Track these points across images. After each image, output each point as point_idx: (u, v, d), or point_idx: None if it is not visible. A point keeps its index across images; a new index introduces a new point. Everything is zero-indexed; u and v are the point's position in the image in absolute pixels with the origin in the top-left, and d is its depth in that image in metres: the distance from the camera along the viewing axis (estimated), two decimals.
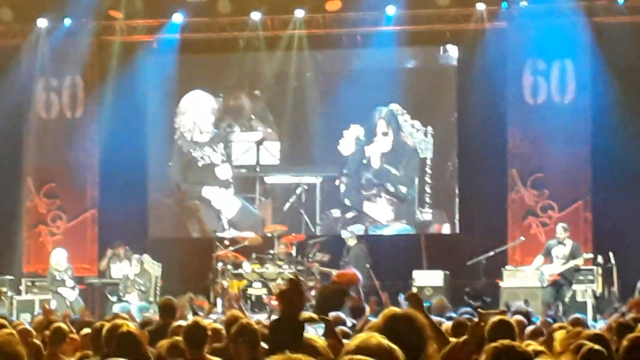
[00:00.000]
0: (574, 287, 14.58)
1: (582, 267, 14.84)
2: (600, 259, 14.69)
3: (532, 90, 15.96)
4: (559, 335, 6.58)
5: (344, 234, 15.33)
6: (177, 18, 15.21)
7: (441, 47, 16.48)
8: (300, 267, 13.61)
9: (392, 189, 16.60)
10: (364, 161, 16.67)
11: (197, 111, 16.59)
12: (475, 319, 6.11)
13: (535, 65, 15.82)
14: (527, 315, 9.63)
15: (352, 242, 14.97)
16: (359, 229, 15.79)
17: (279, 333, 5.02)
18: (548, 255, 14.43)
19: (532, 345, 4.81)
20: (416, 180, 16.60)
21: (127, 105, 15.88)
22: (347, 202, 16.37)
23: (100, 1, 15.29)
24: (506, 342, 3.15)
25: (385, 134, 16.38)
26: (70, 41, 15.55)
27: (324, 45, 16.57)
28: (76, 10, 15.26)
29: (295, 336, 4.86)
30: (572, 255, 14.39)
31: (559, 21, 15.21)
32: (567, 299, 14.14)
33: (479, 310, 12.54)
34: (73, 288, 13.91)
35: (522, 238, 15.03)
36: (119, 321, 5.60)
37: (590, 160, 15.81)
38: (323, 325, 5.70)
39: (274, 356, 2.27)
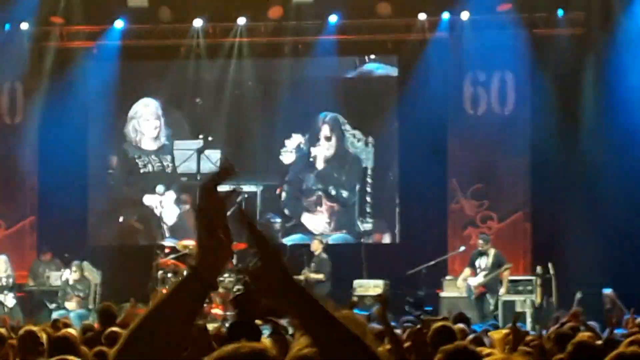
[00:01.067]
0: (514, 297, 14.56)
1: (520, 278, 14.94)
2: (539, 269, 14.70)
3: (472, 101, 15.97)
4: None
5: (313, 240, 15.55)
6: (119, 24, 15.11)
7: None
8: (240, 276, 13.56)
9: (333, 192, 16.68)
10: (310, 160, 16.58)
11: (145, 118, 16.46)
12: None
13: (476, 76, 15.88)
14: (467, 322, 9.62)
15: (317, 247, 15.13)
16: (301, 238, 15.83)
17: (237, 337, 5.04)
18: (473, 267, 14.58)
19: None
20: (357, 188, 16.46)
21: (67, 111, 15.71)
22: (286, 211, 16.34)
23: (40, 6, 15.06)
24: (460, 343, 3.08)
25: (328, 138, 16.44)
26: (9, 46, 15.34)
27: (266, 53, 16.56)
28: (15, 15, 15.06)
29: (255, 339, 4.80)
30: (497, 265, 14.55)
31: (500, 33, 15.27)
32: (491, 307, 14.20)
33: (422, 317, 12.58)
34: (13, 295, 13.77)
35: (463, 248, 15.08)
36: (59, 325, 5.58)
37: (529, 171, 15.95)
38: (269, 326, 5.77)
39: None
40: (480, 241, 15.05)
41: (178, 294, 1.72)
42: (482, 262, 14.72)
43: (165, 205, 16.16)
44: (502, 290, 14.75)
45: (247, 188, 16.31)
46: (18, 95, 16.57)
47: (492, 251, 14.88)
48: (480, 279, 14.62)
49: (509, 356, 4.96)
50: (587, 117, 15.34)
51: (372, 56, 16.94)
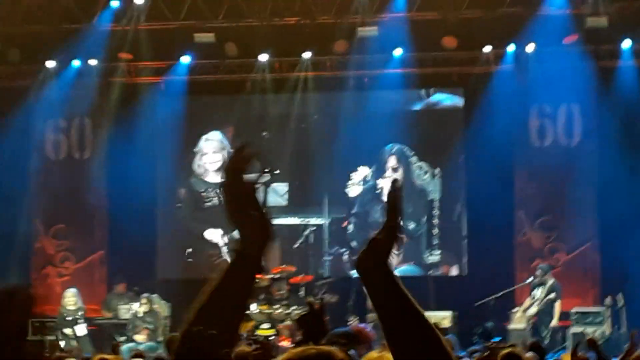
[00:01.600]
0: (584, 328, 14.32)
1: (589, 310, 14.91)
2: (608, 300, 14.57)
3: (538, 132, 15.97)
4: None
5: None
6: (185, 59, 15.29)
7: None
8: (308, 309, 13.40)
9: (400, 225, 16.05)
10: (376, 192, 16.48)
11: (211, 151, 16.58)
12: None
13: (542, 108, 15.88)
14: (539, 349, 9.61)
15: None
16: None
17: None
18: (531, 297, 14.74)
19: None
20: (424, 219, 16.45)
21: (134, 146, 15.84)
22: (353, 244, 16.19)
23: (109, 43, 15.35)
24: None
25: (395, 169, 16.37)
26: (79, 82, 15.58)
27: (331, 87, 16.59)
28: (85, 52, 15.32)
29: None
30: (549, 292, 14.58)
31: (566, 64, 15.22)
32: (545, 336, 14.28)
33: (488, 345, 12.47)
34: (84, 327, 13.94)
35: (530, 279, 14.81)
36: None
37: (597, 202, 15.84)
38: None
39: None
40: (539, 271, 15.01)
41: (227, 279, 1.72)
42: (538, 292, 14.70)
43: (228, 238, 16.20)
44: (553, 322, 14.71)
45: (314, 221, 16.48)
46: (87, 131, 16.73)
47: (550, 282, 14.85)
48: (534, 309, 14.65)
49: None
50: None
51: (438, 89, 16.72)
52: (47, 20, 15.54)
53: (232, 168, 1.70)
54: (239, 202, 1.69)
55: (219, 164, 16.29)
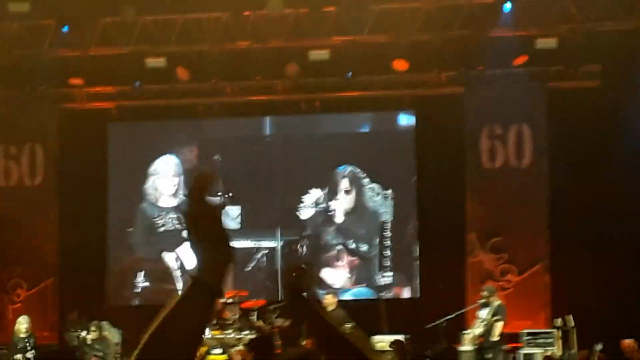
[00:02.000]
0: (534, 350, 14.74)
1: (539, 331, 15.18)
2: (558, 321, 14.72)
3: (489, 154, 16.13)
4: None
5: (326, 295, 15.36)
6: (137, 84, 15.60)
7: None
8: (260, 333, 13.67)
9: (353, 246, 16.80)
10: (329, 214, 16.68)
11: (170, 175, 16.69)
12: None
13: (493, 129, 16.03)
14: None
15: (332, 302, 14.92)
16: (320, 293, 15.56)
17: None
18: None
19: None
20: (376, 241, 16.58)
21: (86, 172, 15.93)
22: (304, 265, 15.80)
23: (60, 68, 15.66)
24: None
25: (348, 191, 16.59)
26: (29, 108, 15.86)
27: (283, 110, 16.76)
28: (35, 77, 15.71)
29: None
30: (494, 314, 14.68)
31: (516, 86, 15.61)
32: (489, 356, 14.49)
33: None
34: (33, 355, 13.98)
35: (480, 301, 14.87)
36: None
37: (548, 223, 15.99)
38: None
39: None
40: (484, 292, 15.11)
41: (185, 304, 1.69)
42: (484, 313, 14.80)
43: (183, 262, 16.32)
44: (494, 338, 14.96)
45: (266, 244, 16.63)
46: (38, 157, 16.74)
47: (495, 303, 14.86)
48: (479, 329, 14.74)
49: None
50: (605, 170, 15.25)
51: (390, 111, 16.84)
52: None
53: (196, 192, 1.67)
54: (203, 225, 1.67)
55: (174, 188, 16.38)
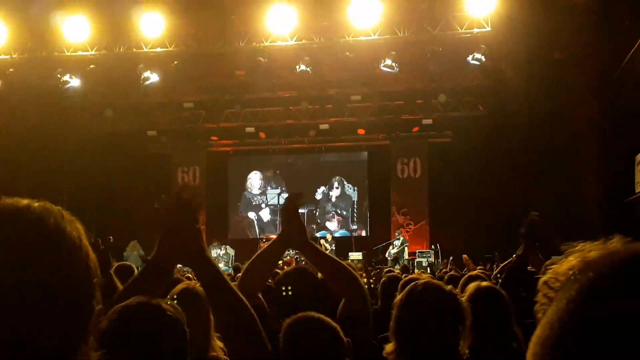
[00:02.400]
0: (421, 259, 19.72)
1: (424, 251, 20.54)
2: (433, 247, 20.94)
3: (401, 171, 23.99)
4: None
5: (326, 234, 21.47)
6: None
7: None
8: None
9: (339, 211, 24.37)
10: (329, 197, 24.05)
11: (253, 180, 24.82)
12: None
13: (403, 160, 24.22)
14: (406, 269, 11.49)
15: (329, 238, 20.93)
16: (323, 233, 22.62)
17: None
18: (393, 245, 20.90)
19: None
20: (350, 210, 24.40)
21: (218, 179, 24.00)
22: (318, 221, 24.00)
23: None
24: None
25: (337, 187, 24.47)
26: None
27: (308, 151, 24.50)
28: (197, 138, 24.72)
29: None
30: (402, 244, 20.96)
31: (412, 141, 23.69)
32: (403, 263, 16.69)
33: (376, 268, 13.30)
34: None
35: (396, 238, 21.50)
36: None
37: (429, 204, 23.42)
38: None
39: None
40: (397, 234, 21.44)
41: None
42: (397, 243, 21.21)
43: (264, 217, 24.57)
44: (405, 256, 20.21)
45: (302, 210, 23.66)
46: (197, 173, 24.95)
47: (401, 238, 21.39)
48: (394, 250, 20.94)
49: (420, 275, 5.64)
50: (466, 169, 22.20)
51: (356, 152, 24.53)
52: None
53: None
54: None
55: (259, 185, 25.59)
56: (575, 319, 0.56)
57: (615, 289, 0.55)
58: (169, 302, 1.83)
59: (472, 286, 3.71)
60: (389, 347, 2.71)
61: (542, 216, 4.50)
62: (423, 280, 2.94)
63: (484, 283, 3.80)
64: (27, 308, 0.98)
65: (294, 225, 2.86)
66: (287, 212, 2.89)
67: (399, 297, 2.79)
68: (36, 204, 1.11)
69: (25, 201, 1.12)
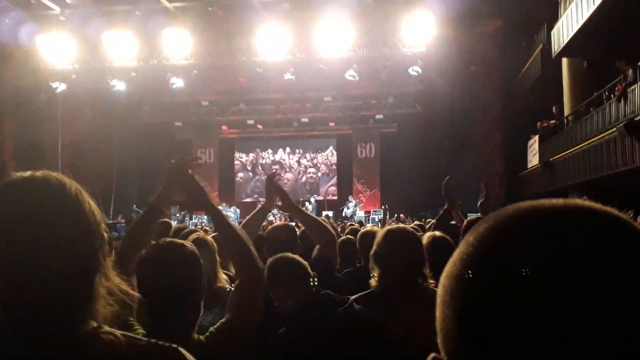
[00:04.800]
0: (374, 215, 19.57)
1: (377, 210, 20.54)
2: (383, 207, 20.26)
3: (361, 152, 24.81)
4: None
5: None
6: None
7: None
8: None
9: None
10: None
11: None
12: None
13: (362, 145, 24.26)
14: (361, 224, 10.93)
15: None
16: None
17: None
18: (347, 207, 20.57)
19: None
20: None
21: (225, 155, 24.81)
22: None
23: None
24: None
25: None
26: None
27: (290, 138, 24.53)
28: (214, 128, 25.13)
29: None
30: (354, 206, 20.65)
31: (361, 127, 24.79)
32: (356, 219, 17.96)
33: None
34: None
35: (355, 200, 21.21)
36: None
37: (379, 176, 23.70)
38: None
39: None
40: (350, 198, 21.41)
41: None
42: (350, 205, 21.00)
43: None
44: (357, 213, 19.88)
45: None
46: (212, 153, 24.43)
47: (353, 201, 21.23)
48: (350, 210, 20.70)
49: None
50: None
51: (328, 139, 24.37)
52: None
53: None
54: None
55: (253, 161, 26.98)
56: (471, 259, 0.54)
57: (496, 238, 0.54)
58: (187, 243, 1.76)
59: (428, 235, 3.53)
60: (375, 275, 2.61)
61: (460, 185, 4.52)
62: (397, 226, 2.84)
63: (438, 233, 3.64)
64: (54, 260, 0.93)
65: (276, 193, 2.92)
66: (269, 185, 2.96)
67: (378, 237, 2.64)
68: (55, 175, 1.02)
69: (47, 172, 1.02)
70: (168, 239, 1.71)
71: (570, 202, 0.55)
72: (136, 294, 1.19)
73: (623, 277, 0.49)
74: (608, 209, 0.55)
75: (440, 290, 0.59)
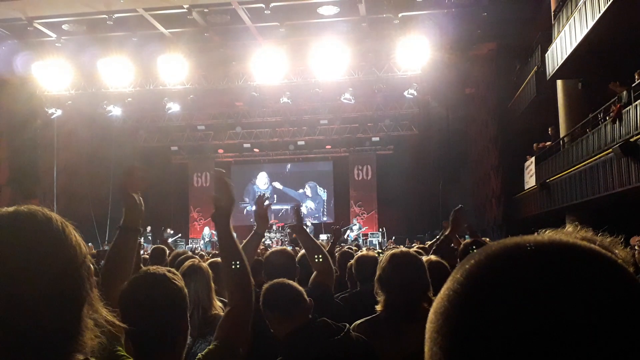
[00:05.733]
0: (372, 239, 19.85)
1: (375, 232, 20.82)
2: (381, 229, 21.16)
3: (358, 175, 24.61)
4: None
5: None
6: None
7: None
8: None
9: (312, 207, 25.25)
10: (305, 196, 24.22)
11: (260, 179, 24.70)
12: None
13: (359, 168, 24.16)
14: (358, 247, 11.16)
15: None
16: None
17: None
18: (352, 230, 20.71)
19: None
20: (322, 205, 24.61)
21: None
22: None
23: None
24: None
25: (311, 189, 24.60)
26: None
27: (286, 161, 24.75)
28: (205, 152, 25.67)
29: None
30: (359, 229, 20.69)
31: (365, 152, 24.52)
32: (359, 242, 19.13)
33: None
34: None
35: (354, 224, 21.62)
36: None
37: (376, 198, 23.75)
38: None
39: None
40: (354, 221, 21.55)
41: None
42: (355, 228, 21.03)
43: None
44: (360, 237, 19.89)
45: (286, 207, 23.63)
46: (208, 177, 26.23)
47: (357, 224, 21.34)
48: (354, 233, 20.58)
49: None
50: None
51: (324, 162, 24.22)
52: None
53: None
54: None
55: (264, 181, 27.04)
56: (457, 297, 0.54)
57: (481, 279, 0.54)
58: (170, 270, 1.72)
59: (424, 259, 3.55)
60: (380, 300, 2.58)
61: (454, 206, 4.52)
62: (400, 250, 2.81)
63: (433, 257, 3.65)
64: (38, 299, 0.92)
65: (262, 220, 2.93)
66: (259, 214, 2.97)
67: (383, 261, 2.62)
68: (40, 209, 1.02)
69: (32, 207, 1.02)
70: (151, 269, 1.66)
71: (555, 241, 0.55)
72: (123, 325, 1.16)
73: (609, 322, 0.50)
74: (592, 247, 0.55)
75: (428, 325, 0.58)
